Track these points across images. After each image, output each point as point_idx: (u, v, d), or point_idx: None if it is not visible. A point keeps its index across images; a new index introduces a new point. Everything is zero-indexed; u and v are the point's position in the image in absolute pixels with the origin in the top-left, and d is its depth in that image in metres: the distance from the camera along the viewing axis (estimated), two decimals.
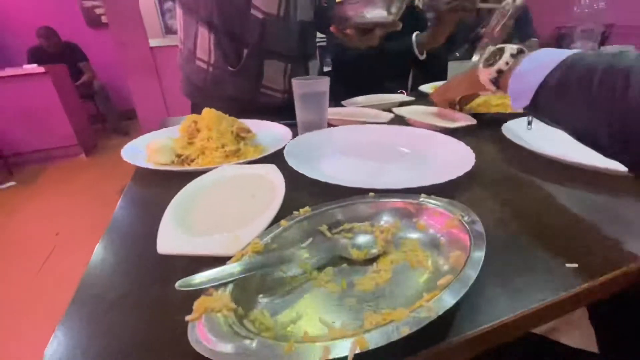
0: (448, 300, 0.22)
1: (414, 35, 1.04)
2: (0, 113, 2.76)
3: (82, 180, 2.64)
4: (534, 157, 0.53)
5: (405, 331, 0.20)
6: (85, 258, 0.36)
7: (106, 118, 3.81)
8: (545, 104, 0.38)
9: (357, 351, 0.19)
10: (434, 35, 1.02)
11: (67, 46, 3.48)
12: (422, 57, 1.05)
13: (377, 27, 0.71)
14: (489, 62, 0.49)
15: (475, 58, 1.10)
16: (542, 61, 0.38)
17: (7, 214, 2.14)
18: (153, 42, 2.94)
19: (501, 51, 0.47)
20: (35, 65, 2.81)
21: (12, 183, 2.62)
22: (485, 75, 0.50)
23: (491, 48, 0.50)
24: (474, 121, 0.68)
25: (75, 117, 3.08)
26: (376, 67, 1.10)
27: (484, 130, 0.69)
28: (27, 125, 2.87)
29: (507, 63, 0.45)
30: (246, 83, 0.87)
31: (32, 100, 2.81)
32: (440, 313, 0.21)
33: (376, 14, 0.65)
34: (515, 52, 0.45)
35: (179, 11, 0.87)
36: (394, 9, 0.65)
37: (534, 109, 0.40)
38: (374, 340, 0.20)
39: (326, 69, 1.37)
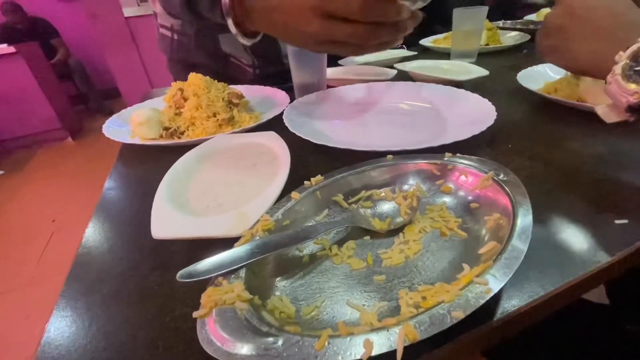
0: (502, 273, 0.19)
1: None
2: None
3: (71, 165, 2.55)
4: (558, 106, 0.48)
5: (459, 316, 0.16)
6: None
7: (88, 98, 3.60)
8: None
9: (407, 343, 0.16)
10: None
11: (36, 21, 3.23)
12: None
13: None
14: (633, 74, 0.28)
15: None
16: None
17: (0, 204, 2.08)
18: (127, 12, 2.72)
19: None
20: (5, 45, 2.60)
21: (0, 172, 2.53)
22: (620, 94, 0.28)
23: (634, 47, 0.28)
24: (486, 72, 0.62)
25: (56, 98, 2.90)
26: None
27: (497, 80, 0.64)
28: (4, 111, 2.71)
29: None
30: (211, 51, 0.78)
31: (7, 83, 2.62)
32: (497, 290, 0.18)
33: None
34: None
35: None
36: None
37: None
38: (424, 328, 0.16)
39: None
